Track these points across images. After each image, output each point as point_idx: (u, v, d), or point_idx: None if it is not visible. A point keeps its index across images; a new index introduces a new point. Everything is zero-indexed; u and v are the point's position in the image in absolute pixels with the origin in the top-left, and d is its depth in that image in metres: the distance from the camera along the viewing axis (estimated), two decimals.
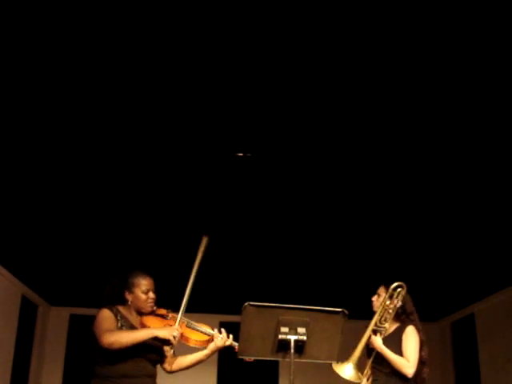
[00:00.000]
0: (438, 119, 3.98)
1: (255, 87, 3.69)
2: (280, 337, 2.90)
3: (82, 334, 8.79)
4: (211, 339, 3.48)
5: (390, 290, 3.93)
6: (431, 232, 5.86)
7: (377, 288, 4.05)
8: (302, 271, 6.94)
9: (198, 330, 3.47)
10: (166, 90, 3.72)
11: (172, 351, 3.31)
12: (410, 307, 4.01)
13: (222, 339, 3.45)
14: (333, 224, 5.78)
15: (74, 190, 5.05)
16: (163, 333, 3.25)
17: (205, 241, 3.54)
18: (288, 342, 2.90)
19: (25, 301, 7.64)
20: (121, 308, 3.46)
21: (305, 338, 2.91)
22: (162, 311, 3.52)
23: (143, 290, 3.45)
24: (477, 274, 6.89)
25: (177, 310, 3.47)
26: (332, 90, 3.70)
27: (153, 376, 3.42)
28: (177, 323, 3.35)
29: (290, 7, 3.02)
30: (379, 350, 3.82)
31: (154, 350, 3.36)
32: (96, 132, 4.19)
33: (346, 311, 3.00)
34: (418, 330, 3.94)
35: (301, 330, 2.92)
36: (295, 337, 2.90)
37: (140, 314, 3.48)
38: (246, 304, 2.92)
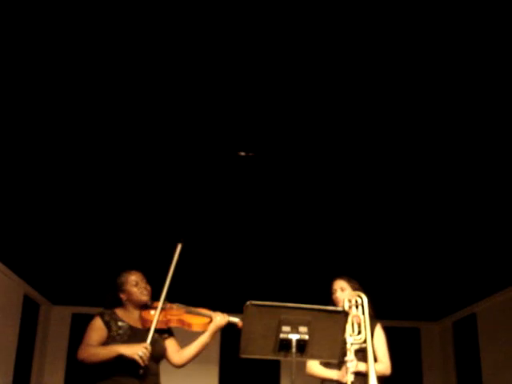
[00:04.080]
0: (436, 119, 3.98)
1: (257, 86, 3.69)
2: (281, 336, 2.91)
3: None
4: (212, 320, 3.49)
5: (354, 301, 3.87)
6: (433, 231, 5.86)
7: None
8: (304, 270, 6.94)
9: (198, 314, 3.49)
10: (168, 90, 3.72)
11: (141, 371, 3.24)
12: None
13: (223, 317, 3.48)
14: (335, 223, 5.78)
15: (76, 188, 5.06)
16: (128, 352, 3.23)
17: (179, 247, 3.64)
18: (289, 341, 2.90)
19: (27, 300, 7.65)
20: (119, 311, 3.50)
21: (306, 337, 2.91)
22: (157, 304, 3.53)
23: (132, 283, 3.51)
24: (479, 274, 6.89)
25: (172, 301, 3.51)
26: (333, 89, 3.70)
27: (156, 374, 3.43)
28: (149, 337, 3.31)
29: (291, 7, 3.02)
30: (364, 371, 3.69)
31: (155, 348, 3.36)
32: (97, 132, 4.19)
33: (348, 310, 3.01)
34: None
35: (302, 329, 2.92)
36: (297, 336, 2.91)
37: (139, 308, 3.50)
38: (248, 303, 2.93)
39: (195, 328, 3.45)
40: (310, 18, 3.10)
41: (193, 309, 3.52)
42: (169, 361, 3.55)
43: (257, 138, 4.29)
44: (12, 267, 6.88)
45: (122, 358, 3.25)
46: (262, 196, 5.21)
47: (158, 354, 3.43)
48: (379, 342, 3.86)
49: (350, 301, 3.86)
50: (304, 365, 3.90)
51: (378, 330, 3.92)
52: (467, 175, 4.69)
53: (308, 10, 3.04)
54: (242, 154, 4.44)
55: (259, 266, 6.87)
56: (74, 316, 8.84)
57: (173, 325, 3.49)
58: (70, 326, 8.82)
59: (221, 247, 6.34)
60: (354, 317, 3.81)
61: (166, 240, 6.20)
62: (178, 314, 3.46)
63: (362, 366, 3.69)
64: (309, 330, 2.92)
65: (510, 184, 4.76)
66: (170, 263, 3.58)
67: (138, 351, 3.20)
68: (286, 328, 2.91)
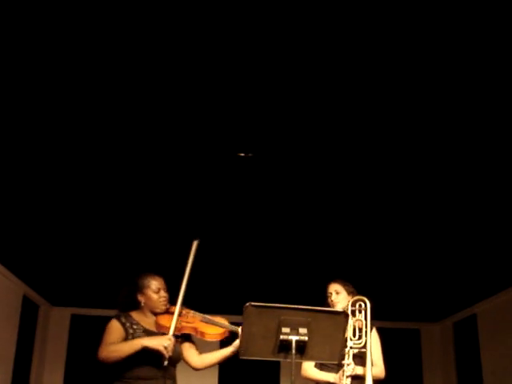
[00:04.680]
0: (436, 119, 3.97)
1: (257, 87, 3.68)
2: (281, 337, 2.90)
3: (84, 334, 8.83)
4: (227, 331, 3.49)
5: (358, 305, 3.86)
6: (433, 232, 5.85)
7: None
8: (304, 271, 6.93)
9: (213, 324, 3.48)
10: (167, 90, 3.71)
11: (166, 362, 3.23)
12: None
13: None
14: (334, 224, 5.77)
15: (75, 189, 5.05)
16: (153, 343, 3.24)
17: (195, 244, 3.55)
18: (289, 342, 2.89)
19: (26, 301, 7.65)
20: (134, 314, 3.49)
21: (306, 338, 2.90)
22: (174, 309, 3.53)
23: (154, 289, 3.48)
24: (479, 275, 6.88)
25: (190, 307, 3.51)
26: (333, 89, 3.69)
27: (172, 378, 3.43)
28: (171, 330, 3.32)
29: (290, 7, 3.01)
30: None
31: (172, 351, 3.37)
32: (97, 132, 4.18)
33: (348, 312, 3.00)
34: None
35: (302, 330, 2.91)
36: (296, 337, 2.89)
37: (155, 314, 3.49)
38: (248, 304, 2.92)
39: (208, 337, 3.45)
40: (309, 18, 3.09)
41: (209, 317, 3.51)
42: (188, 363, 3.57)
43: (256, 139, 4.28)
44: (11, 268, 6.87)
45: (141, 357, 3.24)
46: (261, 197, 5.20)
47: (175, 358, 3.43)
48: (374, 346, 3.86)
49: (353, 305, 3.85)
50: None
51: (374, 333, 3.92)
52: (467, 176, 4.68)
53: (308, 10, 3.04)
54: (241, 154, 4.43)
55: (259, 266, 6.86)
56: (74, 317, 8.84)
57: (186, 332, 3.49)
58: (70, 328, 8.82)
59: (220, 248, 6.33)
60: (356, 321, 3.80)
61: (166, 241, 6.21)
62: (192, 322, 3.46)
63: (359, 370, 3.69)
64: (309, 331, 2.91)
65: (509, 184, 4.76)
66: (186, 263, 3.52)
67: (163, 342, 3.22)
68: (285, 329, 2.90)
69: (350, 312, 3.81)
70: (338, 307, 3.86)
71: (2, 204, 5.25)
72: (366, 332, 3.77)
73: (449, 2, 2.94)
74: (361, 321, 3.80)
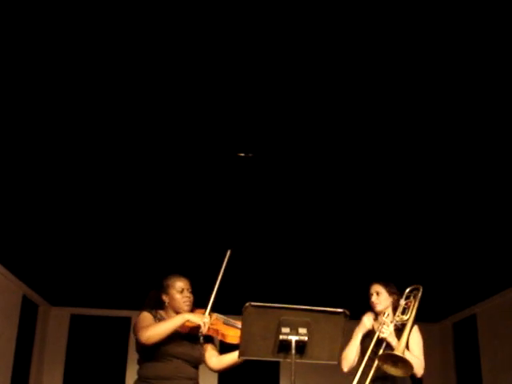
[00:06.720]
0: (438, 119, 3.97)
1: (257, 87, 3.68)
2: (281, 337, 2.90)
3: (83, 334, 8.84)
4: None
5: (410, 290, 3.97)
6: (433, 233, 5.85)
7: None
8: (303, 271, 6.93)
9: (234, 327, 3.52)
10: (167, 91, 3.71)
11: (201, 338, 3.40)
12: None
13: None
14: (334, 224, 5.77)
15: (75, 190, 5.05)
16: (195, 318, 3.37)
17: (228, 254, 3.84)
18: (289, 342, 2.90)
19: (25, 301, 7.65)
20: (161, 312, 3.56)
21: (306, 338, 2.91)
22: (200, 311, 3.56)
23: (178, 290, 3.55)
24: (479, 275, 6.89)
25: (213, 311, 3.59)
26: (333, 90, 3.69)
27: (193, 378, 3.48)
28: (207, 311, 3.47)
29: (290, 7, 3.01)
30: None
31: (193, 351, 3.44)
32: (96, 132, 4.18)
33: (348, 312, 2.99)
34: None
35: (302, 330, 2.91)
36: (296, 337, 2.90)
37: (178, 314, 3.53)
38: (247, 304, 2.92)
39: (229, 339, 3.48)
40: (309, 18, 3.09)
41: (231, 320, 3.57)
42: (207, 364, 3.61)
43: (256, 139, 4.28)
44: (11, 268, 6.87)
45: (164, 356, 3.35)
46: (262, 197, 5.20)
47: (196, 359, 3.49)
48: (415, 343, 3.85)
49: (411, 291, 3.95)
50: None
51: (415, 331, 3.90)
52: (468, 176, 4.69)
53: (308, 10, 3.04)
54: (241, 154, 4.43)
55: (258, 267, 6.86)
56: (73, 317, 8.85)
57: (208, 333, 3.52)
58: (69, 327, 8.82)
59: (219, 248, 6.32)
60: (408, 302, 3.88)
61: (165, 240, 6.21)
62: (215, 324, 3.51)
63: (392, 338, 3.71)
64: (308, 331, 2.92)
65: (509, 185, 4.76)
66: (219, 271, 3.72)
67: (203, 318, 3.38)
68: (285, 329, 2.91)
69: (404, 297, 3.91)
70: (379, 308, 3.90)
71: (2, 204, 5.25)
72: (411, 311, 3.83)
73: (449, 1, 2.95)
74: (411, 301, 3.86)
